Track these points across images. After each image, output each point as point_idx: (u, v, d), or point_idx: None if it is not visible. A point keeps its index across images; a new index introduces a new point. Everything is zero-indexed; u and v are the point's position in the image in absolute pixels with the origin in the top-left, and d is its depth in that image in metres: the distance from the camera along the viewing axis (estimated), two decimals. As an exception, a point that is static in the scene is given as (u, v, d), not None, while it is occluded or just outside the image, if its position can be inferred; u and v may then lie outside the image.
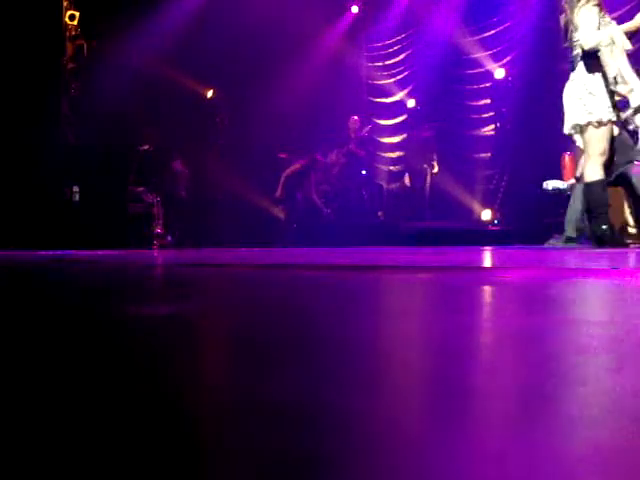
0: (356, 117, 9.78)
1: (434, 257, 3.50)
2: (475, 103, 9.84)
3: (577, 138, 4.90)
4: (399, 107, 10.97)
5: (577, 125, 4.77)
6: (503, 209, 9.02)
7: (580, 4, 4.66)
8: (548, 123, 7.25)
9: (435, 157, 9.58)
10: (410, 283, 1.73)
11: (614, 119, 4.63)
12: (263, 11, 9.17)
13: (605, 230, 4.67)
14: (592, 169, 4.70)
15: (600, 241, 4.65)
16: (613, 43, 4.59)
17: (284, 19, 9.37)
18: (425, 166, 9.61)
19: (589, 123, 4.66)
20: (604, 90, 4.62)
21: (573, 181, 6.06)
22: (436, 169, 9.55)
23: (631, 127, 5.85)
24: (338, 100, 10.61)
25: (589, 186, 4.75)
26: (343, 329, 0.86)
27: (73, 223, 7.76)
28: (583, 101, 4.68)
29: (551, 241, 6.12)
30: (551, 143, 7.22)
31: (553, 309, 1.12)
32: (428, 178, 9.57)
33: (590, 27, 4.64)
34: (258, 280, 2.01)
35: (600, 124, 4.66)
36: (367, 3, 11.29)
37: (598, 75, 4.66)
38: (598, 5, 4.62)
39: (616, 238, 4.71)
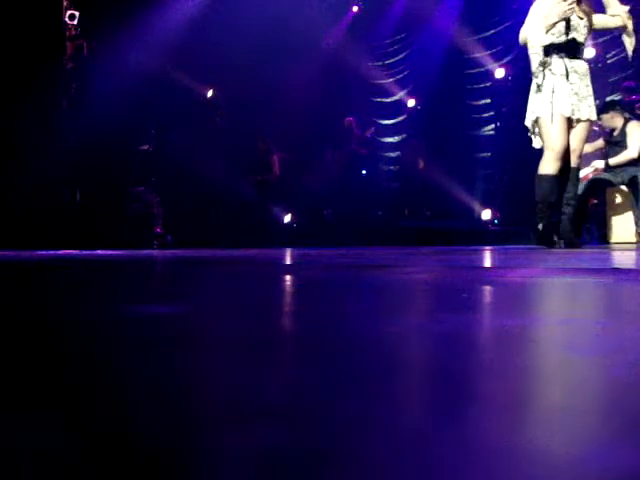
0: (350, 118, 9.79)
1: (433, 257, 3.50)
2: (475, 103, 9.85)
3: (535, 141, 4.83)
4: (399, 107, 10.98)
5: (532, 122, 4.72)
6: (503, 209, 9.02)
7: None
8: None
9: (421, 161, 9.77)
10: (409, 282, 1.73)
11: (555, 114, 4.52)
12: (263, 11, 9.17)
13: (539, 228, 4.61)
14: (542, 164, 4.64)
15: (538, 238, 4.64)
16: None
17: (284, 18, 9.37)
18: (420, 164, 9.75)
19: (537, 118, 4.65)
20: (549, 88, 4.58)
21: None
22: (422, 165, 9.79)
23: None
24: (338, 99, 10.62)
25: (538, 178, 4.68)
26: (340, 328, 0.86)
27: (73, 223, 7.76)
28: (531, 97, 4.71)
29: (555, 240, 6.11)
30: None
31: (553, 309, 1.12)
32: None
33: (531, 19, 4.66)
34: (257, 279, 2.00)
35: (535, 121, 4.66)
36: (367, 3, 11.30)
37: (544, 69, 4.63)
38: None
39: (548, 238, 4.61)
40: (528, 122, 4.74)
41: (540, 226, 4.61)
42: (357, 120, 9.92)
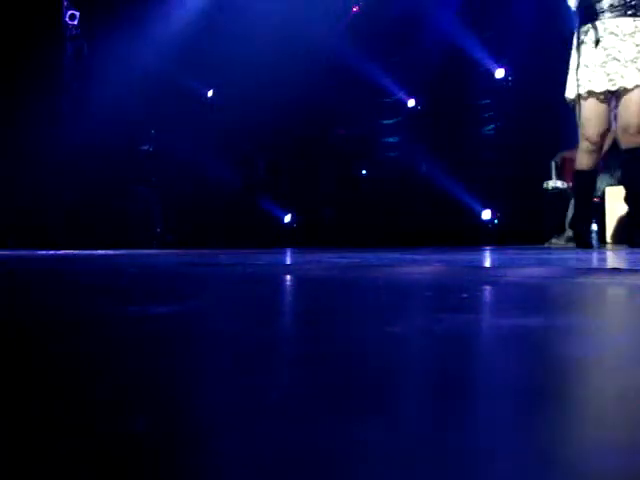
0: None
1: (434, 257, 3.49)
2: (475, 103, 9.85)
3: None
4: (399, 107, 10.98)
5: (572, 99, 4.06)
6: (503, 209, 9.02)
7: None
8: (548, 123, 7.25)
9: (422, 163, 9.83)
10: (408, 282, 1.73)
11: (583, 93, 3.88)
12: (263, 10, 9.17)
13: (579, 230, 4.14)
14: (578, 157, 4.10)
15: (576, 241, 4.17)
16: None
17: (283, 18, 9.37)
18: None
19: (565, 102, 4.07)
20: (575, 63, 3.97)
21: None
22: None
23: None
24: (337, 99, 10.61)
25: (575, 174, 4.16)
26: (338, 327, 0.86)
27: (73, 223, 7.76)
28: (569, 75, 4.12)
29: (552, 240, 6.11)
30: (551, 143, 7.23)
31: (553, 309, 1.12)
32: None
33: None
34: (255, 278, 2.00)
35: (571, 102, 4.02)
36: (367, 2, 11.29)
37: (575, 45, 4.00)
38: None
39: (583, 240, 4.15)
40: (569, 94, 4.05)
41: (580, 227, 4.11)
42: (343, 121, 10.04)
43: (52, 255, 4.78)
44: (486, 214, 9.12)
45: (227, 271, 2.47)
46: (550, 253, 3.74)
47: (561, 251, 4.07)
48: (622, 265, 2.29)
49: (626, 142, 3.80)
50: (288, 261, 3.36)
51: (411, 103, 10.70)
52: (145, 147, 8.76)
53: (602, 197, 6.49)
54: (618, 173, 6.06)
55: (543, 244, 6.27)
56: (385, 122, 11.13)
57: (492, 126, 9.64)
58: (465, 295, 1.28)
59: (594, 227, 6.65)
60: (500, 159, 9.28)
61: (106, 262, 3.54)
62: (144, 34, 8.30)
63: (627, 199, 4.06)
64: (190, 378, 0.57)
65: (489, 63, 9.51)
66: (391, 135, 11.10)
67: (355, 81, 11.27)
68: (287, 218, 10.00)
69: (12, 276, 2.48)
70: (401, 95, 10.94)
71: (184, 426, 0.42)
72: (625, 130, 3.78)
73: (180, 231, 8.91)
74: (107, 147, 8.08)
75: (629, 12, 3.74)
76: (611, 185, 6.29)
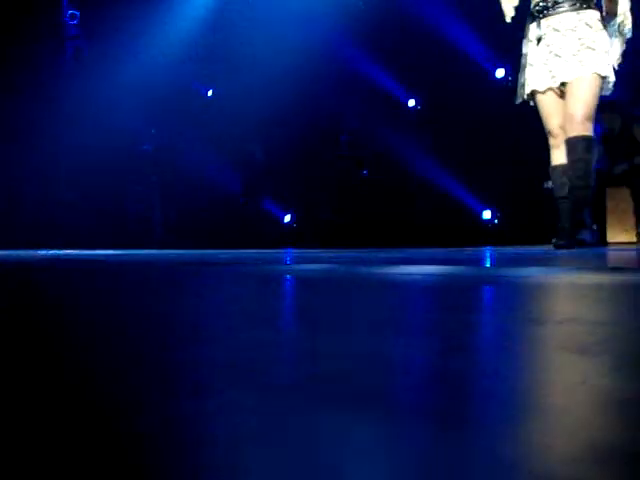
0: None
1: (433, 256, 3.49)
2: (475, 103, 9.84)
3: None
4: (399, 107, 10.97)
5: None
6: (503, 209, 9.02)
7: None
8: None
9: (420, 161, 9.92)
10: (408, 282, 1.73)
11: (530, 92, 3.90)
12: (262, 9, 9.17)
13: (558, 228, 3.98)
14: (550, 154, 4.04)
15: (554, 242, 4.00)
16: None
17: (284, 17, 9.37)
18: None
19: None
20: (523, 62, 3.97)
21: None
22: None
23: None
24: (337, 99, 10.62)
25: (549, 172, 4.12)
26: (339, 326, 0.86)
27: (73, 223, 7.76)
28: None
29: (552, 241, 6.09)
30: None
31: (555, 308, 1.12)
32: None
33: None
34: (255, 277, 2.00)
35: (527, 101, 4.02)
36: (367, 2, 11.28)
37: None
38: None
39: (564, 240, 3.96)
40: (519, 97, 4.11)
41: (561, 226, 4.00)
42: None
43: (52, 255, 4.78)
44: (486, 214, 9.11)
45: (226, 270, 2.47)
46: (550, 253, 3.74)
47: (560, 251, 4.06)
48: (621, 264, 2.29)
49: (571, 131, 3.73)
50: (288, 261, 3.37)
51: (411, 103, 10.69)
52: (145, 147, 8.77)
53: (604, 197, 6.49)
54: (622, 166, 6.03)
55: (543, 244, 6.25)
56: (385, 122, 11.12)
57: (492, 126, 9.63)
58: (465, 294, 1.28)
59: (594, 227, 6.64)
60: (500, 159, 9.27)
61: (106, 263, 3.54)
62: (144, 34, 8.30)
63: (570, 192, 3.92)
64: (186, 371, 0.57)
65: (489, 63, 9.52)
66: (391, 135, 11.10)
67: (355, 81, 11.26)
68: (287, 218, 10.00)
69: (12, 277, 2.48)
70: (401, 95, 10.94)
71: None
72: (570, 119, 3.71)
73: (180, 231, 8.91)
74: (107, 147, 8.08)
75: (572, 7, 3.69)
76: (612, 184, 6.27)
